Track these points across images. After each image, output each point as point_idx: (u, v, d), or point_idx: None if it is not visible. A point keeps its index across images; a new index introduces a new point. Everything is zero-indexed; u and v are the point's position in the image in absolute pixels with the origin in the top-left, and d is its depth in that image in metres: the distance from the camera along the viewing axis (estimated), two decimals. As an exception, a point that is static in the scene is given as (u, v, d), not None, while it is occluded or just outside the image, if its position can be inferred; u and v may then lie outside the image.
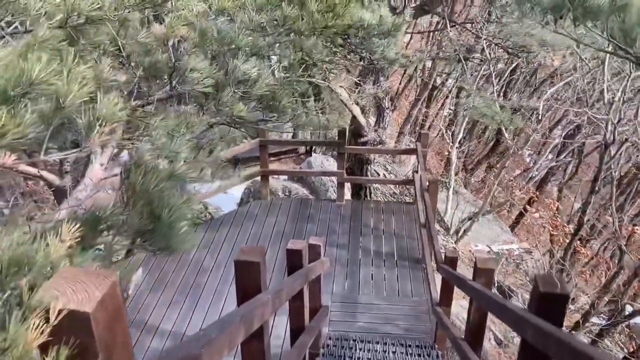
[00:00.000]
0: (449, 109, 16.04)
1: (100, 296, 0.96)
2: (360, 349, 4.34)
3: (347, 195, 8.85)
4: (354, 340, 4.49)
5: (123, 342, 1.06)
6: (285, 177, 10.61)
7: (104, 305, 0.97)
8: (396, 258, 6.13)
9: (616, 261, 10.17)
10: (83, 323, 0.92)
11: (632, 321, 9.07)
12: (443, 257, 4.29)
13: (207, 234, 6.46)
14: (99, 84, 1.42)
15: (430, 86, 13.50)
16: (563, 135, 14.20)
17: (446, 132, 14.30)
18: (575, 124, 13.11)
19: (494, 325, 7.62)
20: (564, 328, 1.99)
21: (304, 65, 2.85)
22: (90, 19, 1.59)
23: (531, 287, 2.08)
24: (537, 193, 14.42)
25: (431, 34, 12.16)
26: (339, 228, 6.74)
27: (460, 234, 11.32)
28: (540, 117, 11.52)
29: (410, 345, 4.45)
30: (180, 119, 2.16)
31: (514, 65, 12.07)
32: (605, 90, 8.02)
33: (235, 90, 2.13)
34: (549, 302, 1.98)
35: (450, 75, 13.92)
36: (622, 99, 7.82)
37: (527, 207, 13.96)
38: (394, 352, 4.32)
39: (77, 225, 1.09)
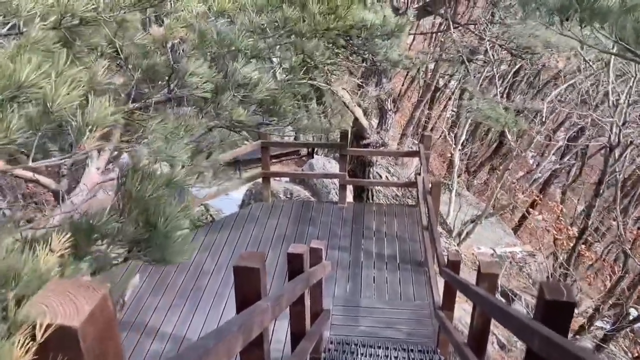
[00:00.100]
0: (452, 110, 15.99)
1: (89, 310, 0.92)
2: (362, 354, 4.30)
3: (349, 197, 8.81)
4: (356, 345, 4.44)
5: (115, 357, 1.02)
6: (287, 179, 10.58)
7: (94, 319, 0.93)
8: (398, 261, 6.08)
9: (620, 265, 10.09)
10: (71, 338, 0.88)
11: (636, 326, 8.99)
12: (446, 260, 4.24)
13: (208, 236, 6.43)
14: (92, 87, 1.38)
15: (432, 88, 13.46)
16: (567, 137, 14.12)
17: (449, 134, 14.25)
18: (579, 126, 13.04)
19: (497, 329, 7.56)
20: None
21: (305, 68, 2.81)
22: (85, 20, 1.55)
23: (537, 294, 2.04)
24: (541, 195, 14.35)
25: (434, 35, 12.11)
26: (340, 231, 6.70)
27: (462, 237, 11.26)
28: (544, 119, 11.45)
29: (412, 350, 4.40)
30: (179, 121, 2.12)
31: (517, 66, 12.01)
32: (610, 92, 7.96)
33: (235, 94, 2.08)
34: (556, 310, 1.94)
35: (453, 76, 13.87)
36: (627, 101, 7.75)
37: (530, 209, 13.89)
38: (395, 357, 4.28)
39: (68, 235, 1.05)
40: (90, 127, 1.10)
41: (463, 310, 6.17)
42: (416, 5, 7.35)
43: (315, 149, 13.66)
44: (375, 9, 2.90)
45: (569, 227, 11.69)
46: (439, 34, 10.99)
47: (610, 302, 9.13)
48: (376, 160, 8.97)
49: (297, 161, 13.82)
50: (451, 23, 7.11)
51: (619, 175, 9.43)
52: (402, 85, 15.46)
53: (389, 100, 8.34)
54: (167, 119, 2.12)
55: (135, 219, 1.41)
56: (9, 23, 1.40)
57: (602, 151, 11.04)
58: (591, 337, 8.78)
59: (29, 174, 1.99)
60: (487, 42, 7.48)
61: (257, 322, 1.97)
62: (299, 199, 8.54)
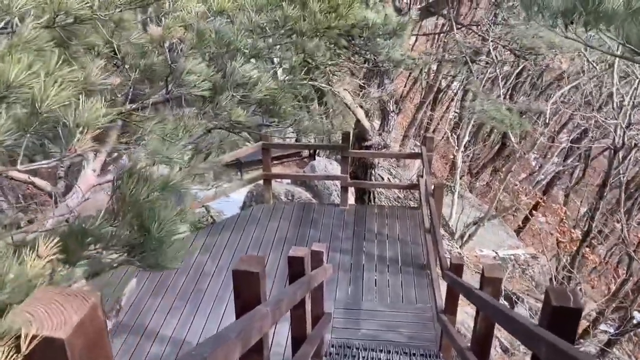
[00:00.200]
0: (454, 112, 15.94)
1: (77, 320, 0.87)
2: (364, 357, 4.25)
3: (351, 199, 8.76)
4: (357, 348, 4.40)
5: (105, 368, 0.97)
6: (289, 180, 10.54)
7: (83, 329, 0.89)
8: (400, 264, 6.03)
9: (624, 268, 10.01)
10: (57, 351, 0.84)
11: (640, 329, 8.91)
12: (448, 263, 4.19)
13: (208, 238, 6.39)
14: (86, 88, 1.34)
15: (435, 89, 13.40)
16: (570, 139, 14.05)
17: (451, 135, 14.18)
18: (582, 128, 12.97)
19: (500, 333, 7.49)
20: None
21: (306, 68, 2.77)
22: (80, 19, 1.51)
23: (543, 300, 1.99)
24: (543, 198, 14.27)
25: (437, 36, 12.07)
26: (342, 233, 6.65)
27: (465, 239, 11.20)
28: (547, 121, 11.39)
29: (414, 354, 4.35)
30: (177, 122, 2.08)
31: (520, 67, 11.95)
32: (614, 93, 7.90)
33: (234, 94, 2.04)
34: (562, 316, 1.91)
35: (456, 77, 13.82)
36: (632, 102, 7.69)
37: (533, 211, 13.82)
38: (397, 361, 4.23)
39: (56, 240, 1.01)
40: (80, 128, 1.07)
41: (465, 313, 6.12)
42: (419, 6, 7.31)
43: (317, 151, 13.62)
44: (377, 8, 2.86)
45: (572, 230, 11.62)
46: (442, 34, 10.95)
47: (614, 305, 9.05)
48: (378, 162, 8.92)
49: (298, 163, 13.78)
50: (454, 24, 7.06)
51: (623, 177, 9.37)
52: (405, 86, 15.41)
53: (391, 101, 8.29)
54: (165, 119, 2.08)
55: (130, 223, 1.37)
56: (2, 21, 1.36)
57: (606, 153, 10.98)
58: (595, 341, 8.71)
59: (24, 177, 1.95)
60: (490, 43, 7.43)
61: (257, 328, 1.92)
62: (300, 201, 8.50)
